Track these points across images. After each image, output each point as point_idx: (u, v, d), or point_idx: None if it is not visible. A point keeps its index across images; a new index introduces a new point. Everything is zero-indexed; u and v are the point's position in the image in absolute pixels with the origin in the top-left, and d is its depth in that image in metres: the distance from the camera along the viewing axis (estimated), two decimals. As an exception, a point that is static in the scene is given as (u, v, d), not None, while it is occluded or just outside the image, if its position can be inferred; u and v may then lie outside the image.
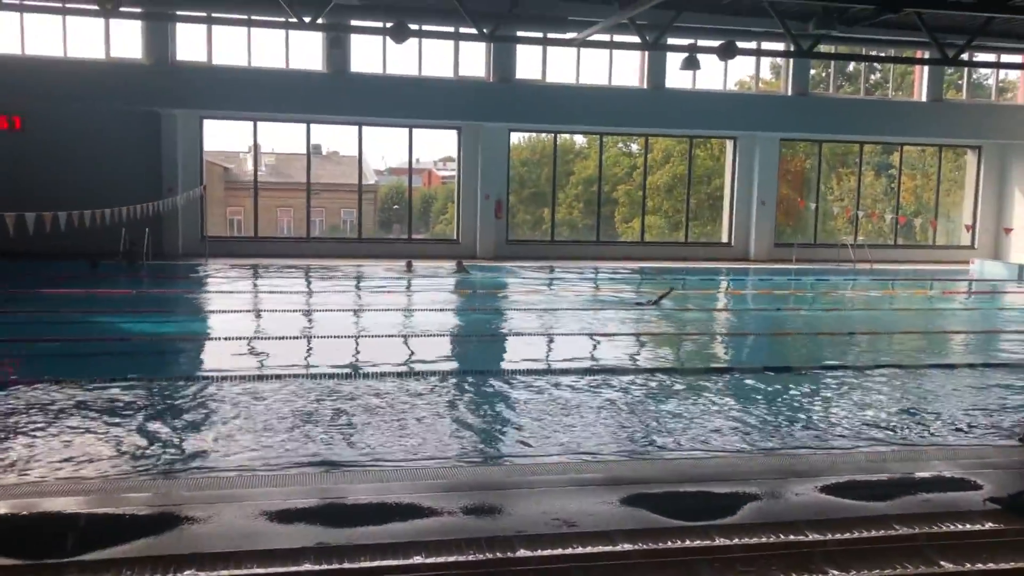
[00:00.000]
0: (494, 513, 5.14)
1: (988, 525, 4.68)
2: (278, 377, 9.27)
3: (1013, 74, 25.39)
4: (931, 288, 20.10)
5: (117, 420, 7.59)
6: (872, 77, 29.05)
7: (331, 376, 9.40)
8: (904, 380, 10.04)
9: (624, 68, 24.31)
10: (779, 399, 9.05)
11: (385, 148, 58.00)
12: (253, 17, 18.03)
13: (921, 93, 24.67)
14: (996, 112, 24.69)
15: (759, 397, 9.09)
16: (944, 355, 12.14)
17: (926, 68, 24.13)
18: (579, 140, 30.44)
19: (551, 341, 12.48)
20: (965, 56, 19.19)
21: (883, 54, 21.76)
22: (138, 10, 17.46)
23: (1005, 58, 23.19)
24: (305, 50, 22.35)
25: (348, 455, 6.87)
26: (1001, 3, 13.19)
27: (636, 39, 17.41)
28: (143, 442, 7.01)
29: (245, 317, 13.72)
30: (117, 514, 4.88)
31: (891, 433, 7.90)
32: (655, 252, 24.11)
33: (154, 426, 7.47)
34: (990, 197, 25.46)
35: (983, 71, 25.71)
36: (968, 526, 4.64)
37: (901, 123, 24.12)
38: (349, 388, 8.92)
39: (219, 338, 12.21)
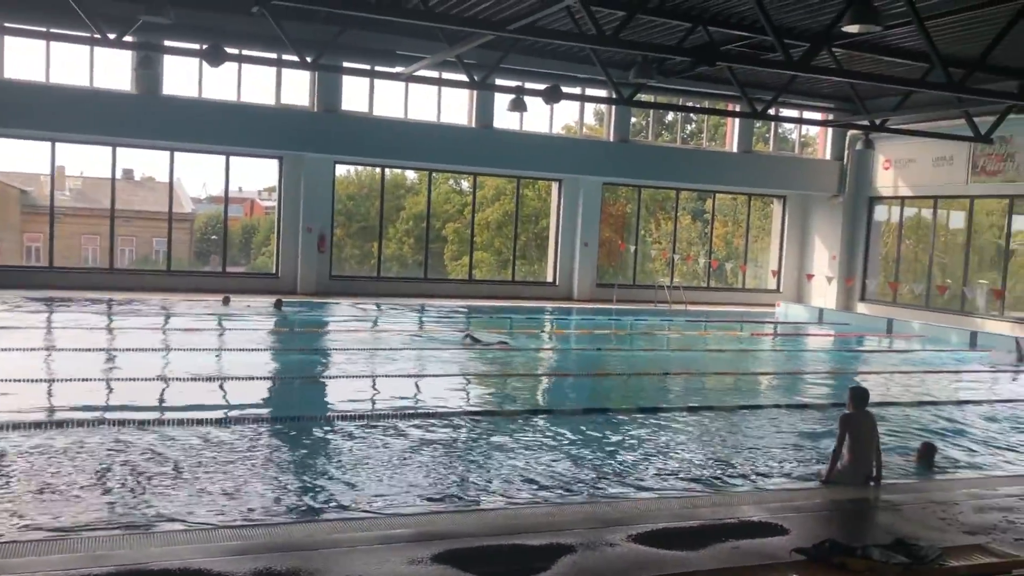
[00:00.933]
0: (291, 578, 4.69)
1: (795, 577, 4.67)
2: (53, 425, 8.34)
3: (814, 130, 27.32)
4: (741, 329, 21.07)
5: None
6: (688, 127, 30.53)
7: (117, 424, 8.56)
8: (716, 421, 10.28)
9: (454, 105, 24.31)
10: (597, 442, 9.02)
11: (205, 175, 55.62)
12: (52, 30, 16.66)
13: (732, 144, 26.08)
14: (799, 165, 26.44)
15: (576, 440, 9.02)
16: (752, 396, 12.60)
17: (737, 121, 25.54)
18: (410, 175, 30.17)
19: (367, 384, 12.00)
20: (772, 111, 20.41)
21: (698, 105, 22.84)
22: (-83, 14, 15.80)
23: (807, 115, 24.90)
24: (112, 69, 20.93)
25: (131, 516, 6.18)
26: (804, 64, 14.06)
27: (464, 77, 17.40)
28: None
29: (16, 356, 12.33)
30: None
31: (704, 476, 7.98)
32: (483, 290, 24.09)
33: None
34: (793, 244, 27.15)
35: (787, 126, 27.52)
36: (777, 580, 4.61)
37: (714, 171, 25.36)
38: (141, 438, 8.13)
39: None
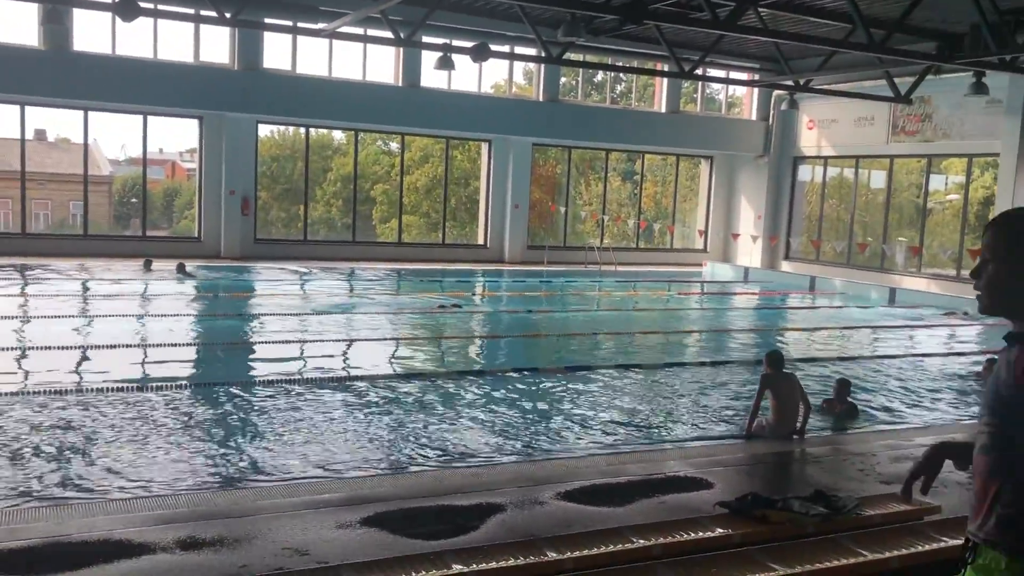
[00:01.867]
0: (217, 546, 4.61)
1: (718, 531, 4.75)
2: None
3: (740, 90, 27.60)
4: (668, 289, 21.36)
5: None
6: (618, 87, 30.57)
7: (31, 393, 8.27)
8: (643, 380, 10.41)
9: (380, 64, 23.87)
10: (526, 402, 9.05)
11: (125, 136, 53.76)
12: (-48, -20, 15.82)
13: (661, 104, 26.20)
14: (725, 125, 26.72)
15: (506, 400, 9.04)
16: (678, 354, 12.80)
17: (665, 81, 25.64)
18: (337, 135, 29.62)
19: (290, 349, 11.83)
20: (699, 71, 20.53)
21: (627, 65, 22.85)
22: None
23: (733, 75, 25.13)
24: (18, 23, 19.98)
25: (49, 489, 5.99)
26: (730, 23, 14.14)
27: (389, 34, 17.05)
28: None
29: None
30: None
31: (631, 433, 8.08)
32: (413, 253, 23.89)
33: None
34: (720, 204, 27.52)
35: (715, 86, 27.77)
36: (700, 534, 4.69)
37: (643, 132, 25.47)
38: (56, 408, 7.87)
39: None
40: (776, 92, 24.57)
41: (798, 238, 25.77)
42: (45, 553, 4.41)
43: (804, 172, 26.03)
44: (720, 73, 25.11)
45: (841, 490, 5.64)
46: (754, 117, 26.64)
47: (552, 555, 4.29)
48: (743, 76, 24.64)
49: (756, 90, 25.86)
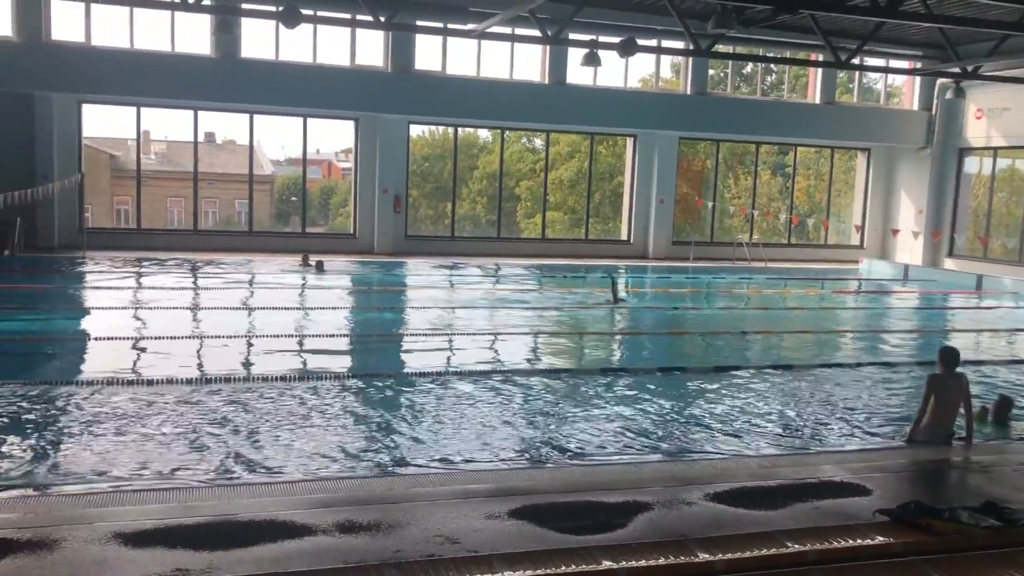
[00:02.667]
0: (372, 531, 4.79)
1: (878, 539, 4.56)
2: (144, 382, 8.66)
3: (900, 80, 26.28)
4: (822, 287, 20.57)
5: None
6: (768, 79, 29.67)
7: (205, 381, 8.84)
8: (795, 381, 10.09)
9: (526, 62, 24.09)
10: (674, 401, 8.94)
11: (284, 138, 56.54)
12: (136, -4, 17.00)
13: (815, 95, 25.27)
14: (884, 116, 25.48)
15: (654, 399, 8.96)
16: (834, 355, 12.32)
17: (819, 71, 24.71)
18: (483, 134, 30.15)
19: (446, 341, 12.14)
20: (856, 60, 19.67)
21: (779, 56, 22.16)
22: (7, -16, 16.30)
23: (893, 64, 23.93)
24: (192, 33, 21.38)
25: (219, 469, 6.39)
26: (891, 10, 13.48)
27: (537, 32, 17.20)
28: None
29: (108, 315, 12.71)
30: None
31: (783, 436, 7.86)
32: (556, 249, 24.02)
33: None
34: (878, 198, 26.30)
35: (872, 76, 26.52)
36: (859, 541, 4.51)
37: (795, 124, 24.64)
38: (227, 394, 8.39)
39: (77, 337, 11.43)
40: (940, 80, 23.24)
41: (963, 234, 24.29)
42: (217, 531, 4.69)
43: (971, 164, 24.50)
44: (879, 62, 23.95)
45: (1013, 502, 5.30)
46: (915, 107, 25.28)
47: (703, 556, 4.25)
48: (904, 64, 23.42)
49: (918, 79, 24.53)
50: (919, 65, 22.67)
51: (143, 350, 10.67)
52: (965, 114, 23.79)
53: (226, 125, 58.12)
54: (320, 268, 18.54)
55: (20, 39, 19.11)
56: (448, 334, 12.57)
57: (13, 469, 6.25)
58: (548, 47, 21.55)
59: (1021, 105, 22.00)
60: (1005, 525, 4.74)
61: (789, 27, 20.22)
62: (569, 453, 7.07)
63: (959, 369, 7.47)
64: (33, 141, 19.61)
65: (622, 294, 15.65)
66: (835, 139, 25.47)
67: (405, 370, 9.99)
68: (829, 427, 8.21)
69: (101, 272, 17.17)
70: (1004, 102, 22.46)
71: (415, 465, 6.66)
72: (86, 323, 12.59)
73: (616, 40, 18.03)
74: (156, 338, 11.20)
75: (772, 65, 27.36)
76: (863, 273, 23.57)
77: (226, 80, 20.06)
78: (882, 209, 26.27)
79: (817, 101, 25.01)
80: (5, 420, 7.30)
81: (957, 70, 19.65)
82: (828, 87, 24.94)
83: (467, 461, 6.75)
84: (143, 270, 17.83)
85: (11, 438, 6.85)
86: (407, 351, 11.60)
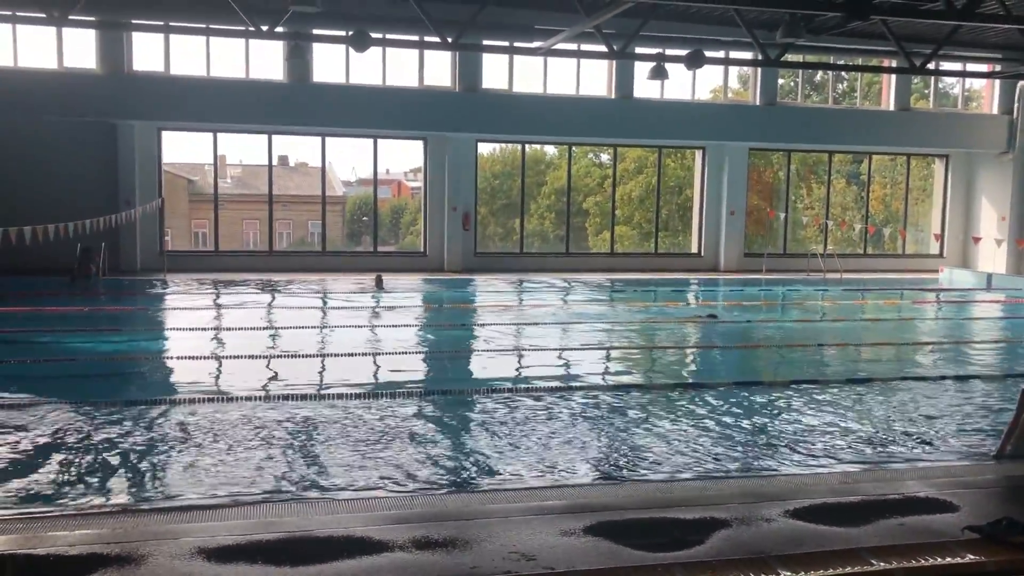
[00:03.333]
0: (448, 547, 4.80)
1: (968, 557, 4.41)
2: (226, 399, 8.87)
3: (978, 83, 25.53)
4: (901, 297, 20.04)
5: (45, 444, 7.19)
6: (840, 86, 29.14)
7: (284, 398, 9.02)
8: (876, 394, 9.84)
9: (592, 77, 24.08)
10: (749, 416, 8.80)
11: (355, 159, 57.63)
12: (211, 26, 17.57)
13: (889, 102, 24.71)
14: (962, 121, 24.78)
15: (729, 414, 8.83)
16: (914, 367, 11.98)
17: (893, 77, 24.18)
18: (550, 150, 30.26)
19: (516, 358, 12.16)
20: (931, 65, 19.19)
21: (850, 63, 21.76)
22: (91, 18, 17.00)
23: (970, 67, 23.28)
24: (265, 59, 22.05)
25: (300, 485, 6.51)
26: (968, 12, 13.13)
27: (603, 48, 17.21)
28: (66, 474, 6.61)
29: (191, 336, 13.15)
30: (37, 555, 4.49)
31: (863, 451, 7.66)
32: (625, 263, 23.91)
33: (80, 454, 7.06)
34: (958, 206, 25.55)
35: (949, 80, 25.83)
36: (948, 559, 4.37)
37: (869, 132, 24.13)
38: (305, 411, 8.55)
39: (158, 358, 11.78)
40: (1021, 83, 22.51)
41: (1051, 240, 23.43)
42: (295, 547, 4.76)
43: (1057, 168, 23.64)
44: (956, 66, 23.31)
45: (1113, 520, 5.07)
46: (995, 111, 24.53)
47: (784, 573, 4.16)
48: (982, 68, 22.76)
49: (997, 82, 23.80)
50: (998, 68, 22.02)
51: (221, 369, 10.94)
52: (1049, 117, 22.99)
53: (299, 148, 59.47)
54: (379, 285, 18.73)
55: (103, 71, 19.90)
56: (520, 349, 12.60)
57: (101, 486, 6.47)
58: (614, 62, 21.54)
59: (1109, 106, 21.17)
60: (1103, 543, 4.54)
61: (860, 33, 19.84)
62: (644, 469, 7.01)
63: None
64: (116, 168, 20.39)
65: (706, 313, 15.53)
66: (911, 146, 24.87)
67: (477, 386, 10.04)
68: (912, 442, 7.97)
69: (180, 293, 17.71)
70: (1091, 103, 21.64)
71: (489, 481, 6.68)
72: (166, 343, 12.99)
73: (683, 53, 17.93)
74: (233, 357, 11.48)
75: (844, 73, 26.87)
76: (944, 283, 22.88)
77: (298, 104, 20.56)
78: (962, 216, 25.50)
79: (892, 107, 24.45)
80: (94, 439, 7.56)
81: (1039, 72, 19.02)
82: (903, 93, 24.37)
83: (541, 477, 6.74)
84: (220, 291, 18.34)
85: (100, 456, 7.08)
86: (479, 367, 11.67)
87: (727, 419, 8.64)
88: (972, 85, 26.00)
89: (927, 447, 7.81)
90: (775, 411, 9.10)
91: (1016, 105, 23.81)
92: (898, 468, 7.10)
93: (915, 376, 10.91)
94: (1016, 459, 6.93)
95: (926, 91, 25.90)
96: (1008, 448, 7.04)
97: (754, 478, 6.73)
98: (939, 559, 4.37)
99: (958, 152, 25.14)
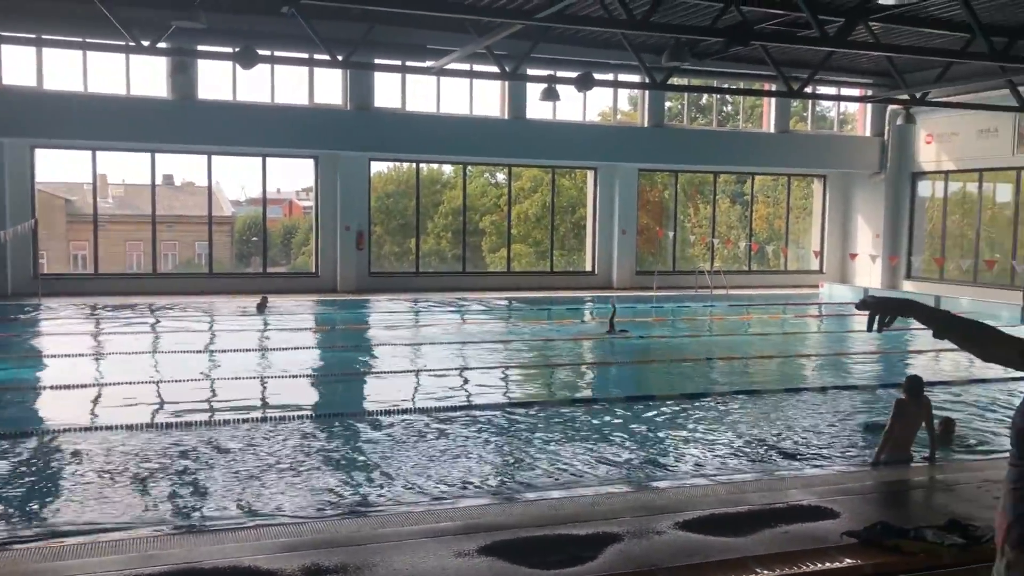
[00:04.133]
0: (339, 574, 4.69)
1: (847, 561, 4.58)
2: (97, 428, 8.48)
3: (852, 107, 26.84)
4: (784, 312, 20.80)
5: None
6: (724, 109, 30.17)
7: (160, 427, 8.67)
8: (761, 406, 10.15)
9: (486, 98, 24.28)
10: (641, 430, 8.95)
11: (244, 178, 56.39)
12: (88, 40, 16.86)
13: (769, 125, 25.71)
14: (838, 143, 25.99)
15: (621, 428, 8.96)
16: (797, 379, 12.43)
17: (773, 101, 25.17)
18: (446, 170, 30.26)
19: (407, 379, 12.05)
20: (809, 89, 20.08)
21: (734, 87, 22.55)
22: (-43, 31, 16.13)
23: (845, 91, 24.46)
24: (148, 75, 21.34)
25: (180, 515, 6.26)
26: (840, 39, 13.81)
27: (495, 68, 17.36)
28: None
29: (59, 362, 12.52)
30: None
31: (750, 462, 7.88)
32: (522, 282, 24.04)
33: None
34: (835, 224, 26.72)
35: (825, 104, 27.06)
36: (828, 564, 4.52)
37: (751, 153, 25.01)
38: (184, 439, 8.24)
39: (25, 386, 11.16)
40: (891, 107, 23.79)
41: (920, 256, 24.74)
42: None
43: (924, 188, 25.03)
44: (831, 90, 24.49)
45: (977, 519, 5.34)
46: (868, 133, 25.83)
47: (673, 586, 4.22)
48: (855, 92, 23.95)
49: (870, 106, 25.10)
50: (870, 92, 23.20)
51: (95, 397, 10.45)
52: (916, 139, 24.35)
53: (185, 166, 57.69)
54: (261, 308, 18.23)
55: (-30, 85, 18.86)
56: (413, 370, 12.49)
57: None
58: (507, 83, 21.74)
59: (968, 129, 22.58)
60: (969, 542, 4.77)
61: (742, 58, 20.62)
62: (539, 487, 7.03)
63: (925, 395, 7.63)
64: (-16, 188, 19.31)
65: (618, 328, 15.72)
66: (791, 167, 25.91)
67: (367, 408, 9.89)
68: (796, 451, 8.26)
69: (51, 319, 16.87)
70: (952, 127, 23.04)
71: (382, 505, 6.58)
72: (34, 371, 12.32)
73: (574, 75, 18.25)
74: (102, 384, 11.00)
75: (727, 96, 27.84)
76: (824, 297, 23.88)
77: (183, 122, 19.93)
78: (840, 234, 26.70)
79: (772, 130, 25.45)
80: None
81: (906, 97, 20.14)
82: (782, 116, 25.41)
83: (435, 499, 6.68)
84: (94, 315, 17.54)
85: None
86: (369, 389, 11.51)
87: (620, 433, 8.76)
88: (847, 109, 27.33)
89: (810, 455, 8.10)
90: (666, 424, 9.28)
91: (887, 128, 25.14)
92: (783, 477, 7.34)
93: (797, 387, 11.33)
94: (890, 466, 7.27)
95: (804, 114, 27.08)
96: (883, 456, 7.38)
97: (646, 491, 6.84)
98: (820, 564, 4.52)
99: (835, 173, 26.34)
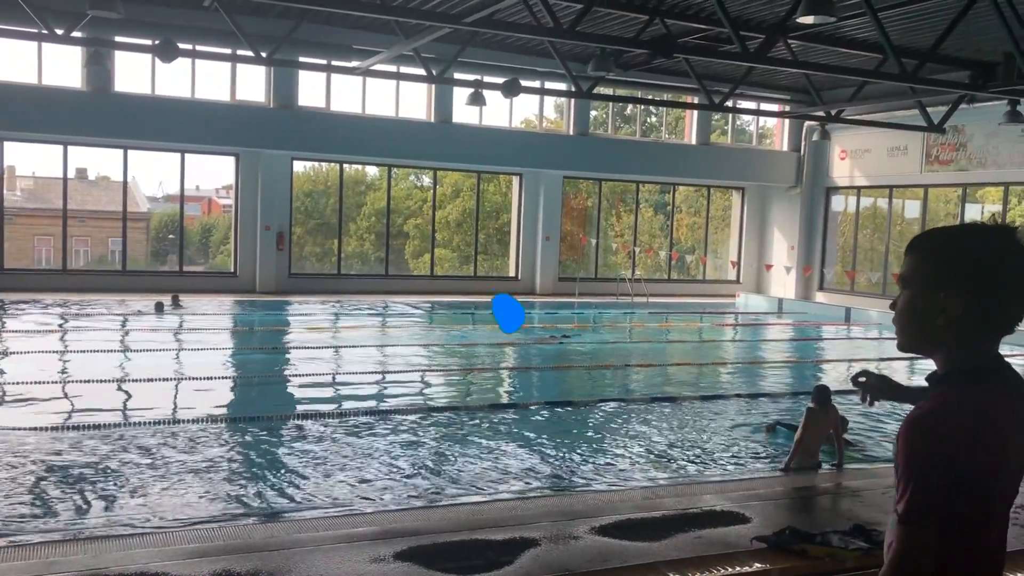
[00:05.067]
0: (251, 580, 4.60)
1: (756, 566, 4.69)
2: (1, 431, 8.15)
3: (771, 122, 27.58)
4: (701, 320, 21.22)
5: None
6: (648, 120, 30.65)
7: (69, 428, 8.38)
8: (677, 412, 10.33)
9: (412, 100, 24.16)
10: (560, 435, 9.01)
11: (162, 174, 54.90)
12: (-3, 26, 16.21)
13: (691, 136, 26.23)
14: (756, 156, 26.66)
15: (539, 434, 9.01)
16: (713, 386, 12.68)
17: (696, 113, 25.68)
18: (371, 171, 29.96)
19: (325, 382, 11.90)
20: (729, 103, 20.55)
21: (658, 98, 22.94)
22: None
23: (764, 106, 25.11)
24: (62, 66, 20.62)
25: (83, 522, 6.05)
26: (760, 56, 14.18)
27: (422, 71, 17.29)
28: None
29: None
30: None
31: (667, 466, 8.01)
32: (444, 286, 23.99)
33: None
34: (752, 235, 27.39)
35: (745, 118, 27.73)
36: (738, 568, 4.63)
37: (673, 164, 25.47)
38: (86, 442, 7.97)
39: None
40: (807, 123, 24.51)
41: (832, 269, 25.55)
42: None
43: (837, 202, 25.87)
44: (751, 105, 25.09)
45: (880, 524, 5.53)
46: (786, 148, 26.57)
47: (587, 590, 4.25)
48: (774, 107, 24.62)
49: (787, 121, 25.83)
50: (787, 108, 23.87)
51: (6, 396, 10.05)
52: (831, 155, 25.15)
53: (99, 161, 55.91)
54: (174, 304, 17.73)
55: None
56: (331, 373, 12.34)
57: None
58: (434, 86, 21.67)
59: (880, 147, 23.43)
60: (872, 546, 4.94)
61: (666, 71, 20.99)
62: (457, 491, 7.01)
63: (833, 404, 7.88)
64: None
65: (560, 333, 15.88)
66: (711, 178, 26.46)
67: (282, 412, 9.72)
68: (710, 457, 8.42)
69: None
70: (865, 144, 23.87)
71: (297, 510, 6.47)
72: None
73: (500, 80, 18.30)
74: (6, 383, 10.57)
75: (651, 107, 28.30)
76: (740, 307, 24.44)
77: (98, 114, 19.31)
78: (757, 245, 27.37)
79: (694, 142, 25.97)
80: None
81: (822, 113, 20.78)
82: (704, 128, 25.95)
83: (351, 504, 6.60)
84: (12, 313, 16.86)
85: None
86: (286, 392, 11.32)
87: (540, 438, 8.80)
88: (765, 123, 28.06)
89: (723, 462, 8.27)
90: (585, 429, 9.36)
91: (803, 143, 25.89)
92: (697, 483, 7.48)
93: (713, 395, 11.56)
94: (800, 471, 7.49)
95: (725, 128, 27.71)
96: (794, 462, 7.60)
97: (563, 496, 6.88)
98: (730, 568, 4.62)
99: (753, 185, 27.00)
